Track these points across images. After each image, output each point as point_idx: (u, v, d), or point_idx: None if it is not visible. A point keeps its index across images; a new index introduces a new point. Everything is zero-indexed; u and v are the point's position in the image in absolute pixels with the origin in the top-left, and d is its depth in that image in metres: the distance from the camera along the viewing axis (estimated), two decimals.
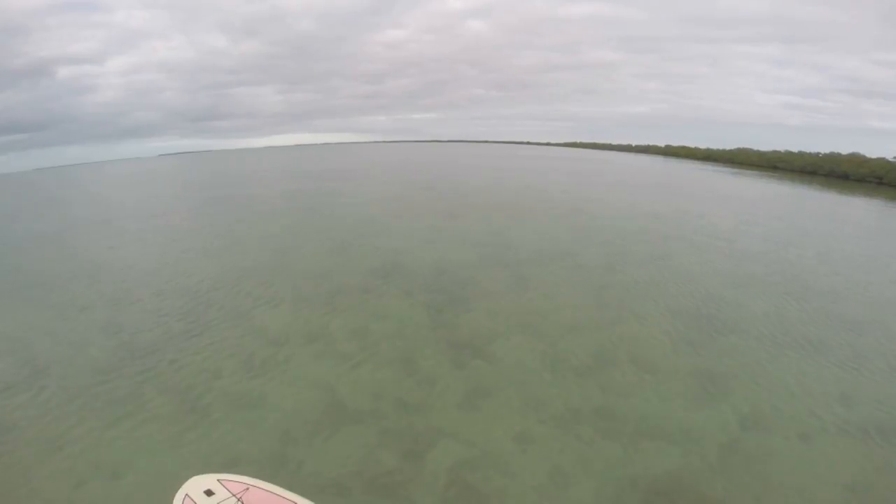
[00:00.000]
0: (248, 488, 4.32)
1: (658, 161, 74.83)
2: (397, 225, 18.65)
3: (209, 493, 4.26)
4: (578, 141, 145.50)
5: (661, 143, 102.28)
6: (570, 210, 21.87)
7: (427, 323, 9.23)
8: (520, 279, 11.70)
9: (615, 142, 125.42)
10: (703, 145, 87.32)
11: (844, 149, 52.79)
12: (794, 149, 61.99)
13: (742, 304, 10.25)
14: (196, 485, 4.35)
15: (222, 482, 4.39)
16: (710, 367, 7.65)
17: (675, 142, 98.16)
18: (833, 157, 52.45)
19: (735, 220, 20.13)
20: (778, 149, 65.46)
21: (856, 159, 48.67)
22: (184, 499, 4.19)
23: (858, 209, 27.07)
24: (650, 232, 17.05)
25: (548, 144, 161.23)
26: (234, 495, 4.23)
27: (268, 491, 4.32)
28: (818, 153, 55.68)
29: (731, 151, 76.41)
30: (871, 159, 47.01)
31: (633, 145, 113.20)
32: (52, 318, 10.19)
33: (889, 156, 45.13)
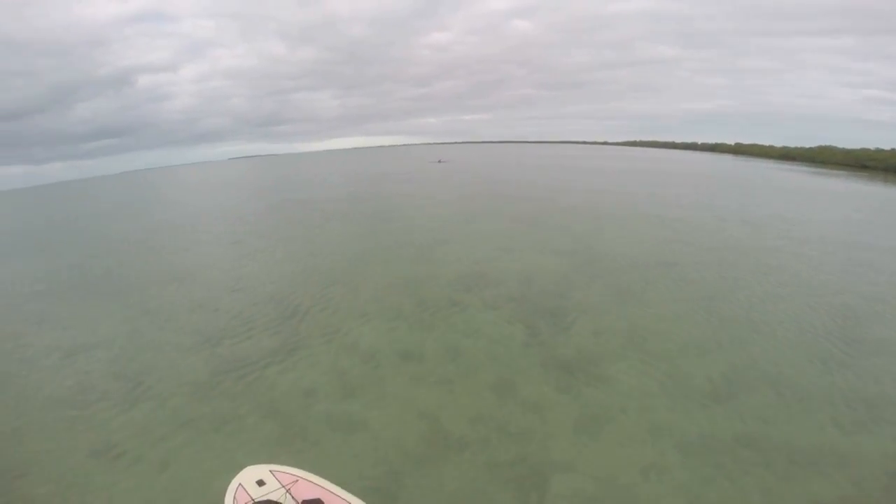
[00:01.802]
0: (297, 480, 4.38)
1: (729, 160, 70.29)
2: (471, 230, 18.22)
3: (261, 482, 4.35)
4: (638, 139, 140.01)
5: (731, 141, 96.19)
6: (653, 214, 20.50)
7: (523, 340, 8.70)
8: (620, 292, 10.90)
9: (679, 140, 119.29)
10: (777, 143, 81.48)
11: None
12: (885, 146, 56.31)
13: (885, 322, 9.07)
14: (249, 474, 4.47)
15: (274, 473, 4.47)
16: (862, 389, 6.81)
17: (746, 139, 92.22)
18: None
19: (844, 227, 18.18)
20: (866, 146, 59.68)
21: None
22: (237, 488, 4.28)
23: None
24: (750, 240, 15.67)
25: (605, 144, 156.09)
26: (283, 486, 4.30)
27: (316, 484, 4.34)
28: None
29: (811, 150, 70.67)
30: None
31: (700, 143, 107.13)
32: (147, 326, 10.46)
33: None
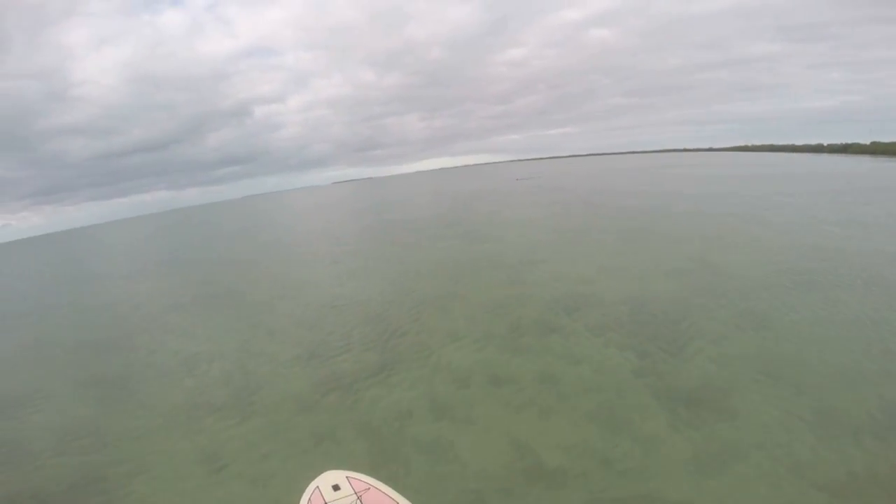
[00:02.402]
0: (369, 488, 4.42)
1: (866, 161, 60.59)
2: (567, 248, 17.39)
3: (336, 487, 4.45)
4: (749, 144, 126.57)
5: (865, 140, 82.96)
6: (780, 227, 17.86)
7: (633, 369, 7.82)
8: (749, 316, 9.49)
9: (798, 142, 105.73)
10: None
11: None
12: None
13: None
14: (326, 479, 4.59)
15: (349, 479, 4.55)
16: None
17: (884, 137, 78.68)
18: None
19: None
20: None
21: None
22: (314, 490, 4.40)
23: None
24: None
25: (710, 150, 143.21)
26: (355, 493, 4.39)
27: (385, 494, 4.35)
28: None
29: None
30: None
31: (826, 145, 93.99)
32: (255, 339, 11.33)
33: None
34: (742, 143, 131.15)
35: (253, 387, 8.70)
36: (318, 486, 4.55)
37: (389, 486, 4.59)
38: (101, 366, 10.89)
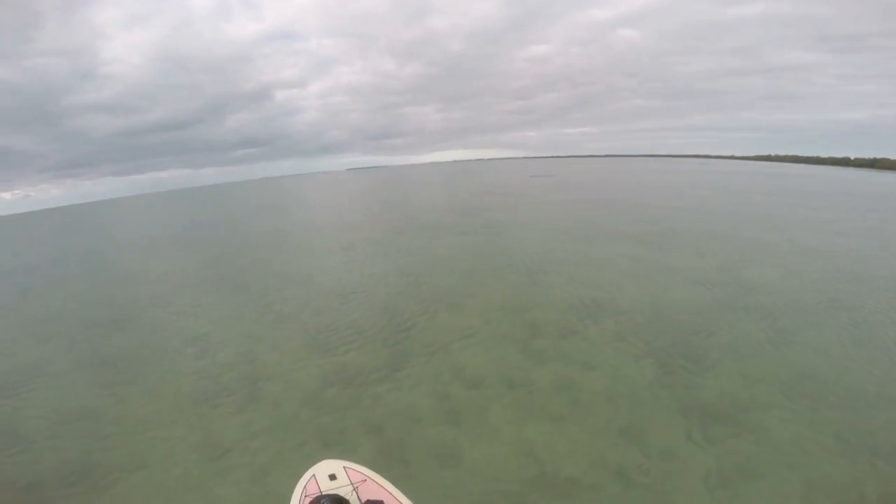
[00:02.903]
0: (365, 480, 4.34)
1: (892, 178, 59.10)
2: (587, 251, 16.95)
3: (332, 477, 4.35)
4: (773, 154, 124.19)
5: (894, 156, 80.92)
6: (807, 242, 17.30)
7: (653, 380, 7.60)
8: (776, 332, 9.20)
9: (825, 154, 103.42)
10: None
11: None
12: None
13: None
14: (323, 468, 4.47)
15: (346, 469, 4.46)
16: None
17: None
18: None
19: None
20: None
21: None
22: (310, 478, 4.33)
23: None
24: None
25: (731, 158, 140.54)
26: (351, 483, 4.27)
27: (383, 487, 4.29)
28: None
29: None
30: None
31: (854, 158, 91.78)
32: (264, 325, 11.19)
33: None
34: (765, 153, 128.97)
35: (258, 374, 8.58)
36: (314, 475, 4.46)
37: (388, 479, 4.49)
38: (103, 345, 10.77)
